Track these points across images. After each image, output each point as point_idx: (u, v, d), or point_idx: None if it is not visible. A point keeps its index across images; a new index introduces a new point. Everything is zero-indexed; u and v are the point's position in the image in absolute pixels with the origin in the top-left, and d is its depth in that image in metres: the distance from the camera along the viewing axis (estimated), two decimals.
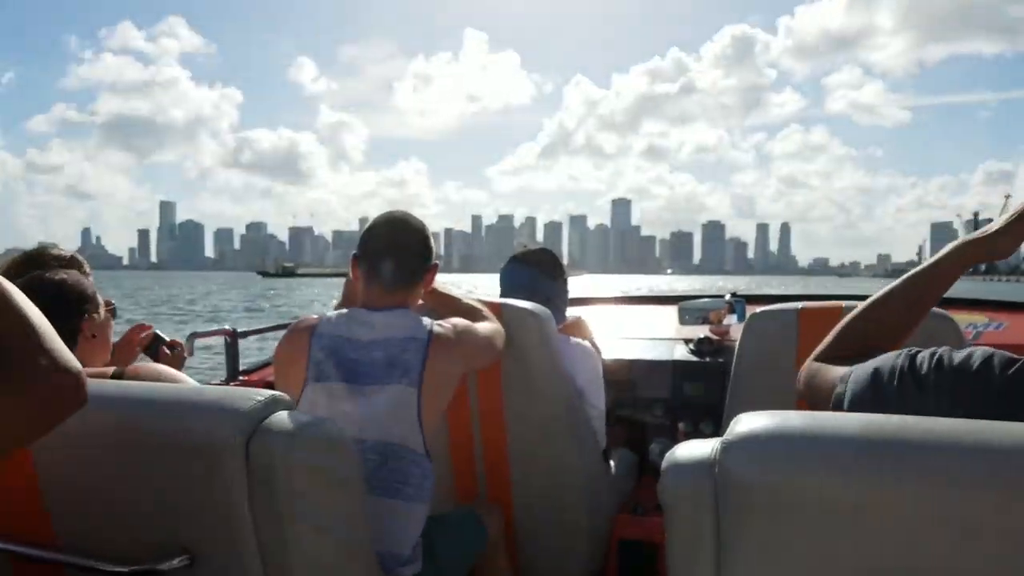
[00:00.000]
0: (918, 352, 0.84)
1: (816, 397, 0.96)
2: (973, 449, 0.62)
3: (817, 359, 1.00)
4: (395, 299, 1.56)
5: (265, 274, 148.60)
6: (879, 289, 1.01)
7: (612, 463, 2.22)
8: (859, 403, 0.83)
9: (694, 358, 2.57)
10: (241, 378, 2.53)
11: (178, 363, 1.94)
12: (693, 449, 0.68)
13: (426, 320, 1.54)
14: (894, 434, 0.64)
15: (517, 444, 1.90)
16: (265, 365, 2.65)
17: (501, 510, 1.91)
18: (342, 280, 1.81)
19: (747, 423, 0.69)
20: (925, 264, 1.02)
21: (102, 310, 1.50)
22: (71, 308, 1.41)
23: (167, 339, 1.98)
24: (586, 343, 2.08)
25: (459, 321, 1.59)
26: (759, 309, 1.82)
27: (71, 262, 1.62)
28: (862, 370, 0.86)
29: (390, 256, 1.56)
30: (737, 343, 1.82)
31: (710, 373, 2.50)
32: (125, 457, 1.08)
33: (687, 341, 2.66)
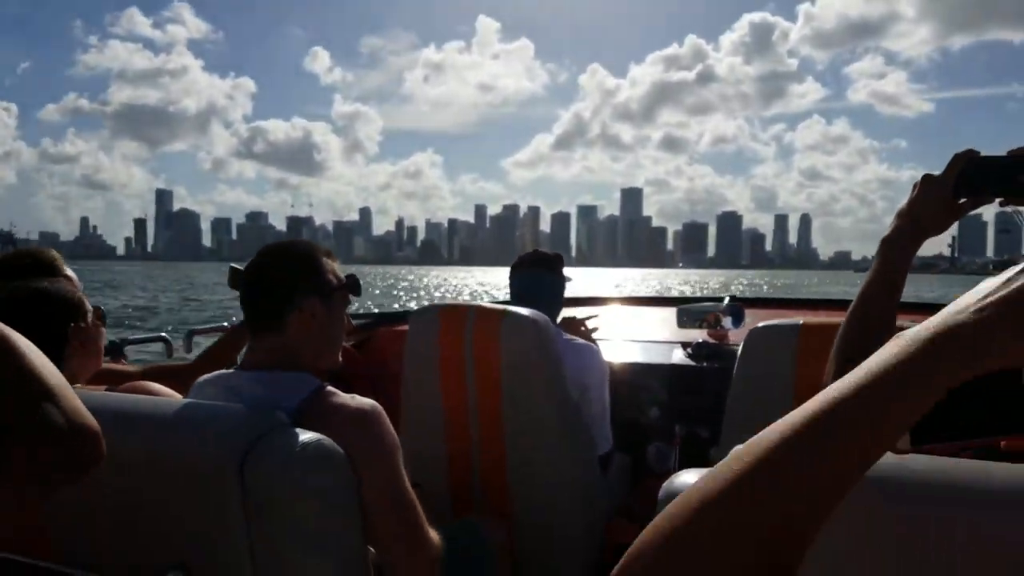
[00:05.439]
0: None
1: None
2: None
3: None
4: (269, 345, 1.25)
5: None
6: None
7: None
8: None
9: (691, 363, 2.59)
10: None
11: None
12: (687, 482, 0.65)
13: (308, 386, 1.19)
14: None
15: (514, 454, 1.92)
16: None
17: (502, 522, 1.90)
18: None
19: None
20: (865, 280, 0.98)
21: (90, 317, 1.40)
22: (55, 317, 1.33)
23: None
24: (589, 343, 2.12)
25: (361, 402, 1.18)
26: (761, 324, 1.75)
27: (48, 266, 1.54)
28: None
29: (249, 294, 1.28)
30: (737, 357, 1.76)
31: (707, 378, 2.51)
32: (120, 474, 1.05)
33: (685, 345, 2.67)
